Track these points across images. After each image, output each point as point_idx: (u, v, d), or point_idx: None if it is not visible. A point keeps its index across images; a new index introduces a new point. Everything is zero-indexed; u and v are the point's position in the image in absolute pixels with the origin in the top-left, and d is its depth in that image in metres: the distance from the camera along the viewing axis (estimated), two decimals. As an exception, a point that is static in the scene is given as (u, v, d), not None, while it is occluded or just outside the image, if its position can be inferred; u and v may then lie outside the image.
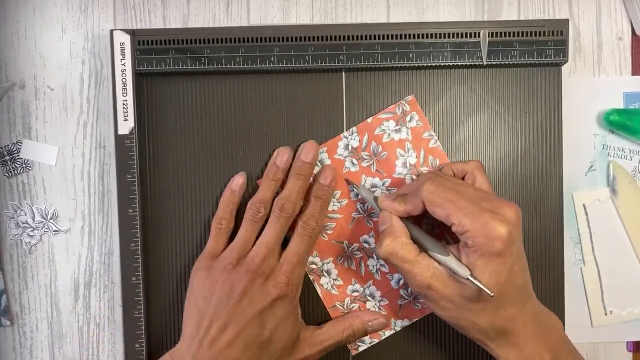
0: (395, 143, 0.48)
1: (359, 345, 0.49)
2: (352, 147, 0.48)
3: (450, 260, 0.40)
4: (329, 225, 0.49)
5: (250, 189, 0.48)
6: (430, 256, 0.41)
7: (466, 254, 0.40)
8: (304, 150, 0.46)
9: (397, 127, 0.48)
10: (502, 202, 0.40)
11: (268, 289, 0.43)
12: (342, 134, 0.48)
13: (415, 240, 0.42)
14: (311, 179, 0.47)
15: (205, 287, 0.44)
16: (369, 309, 0.49)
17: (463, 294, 0.40)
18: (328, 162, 0.48)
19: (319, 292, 0.49)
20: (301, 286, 0.46)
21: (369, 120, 0.48)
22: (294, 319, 0.45)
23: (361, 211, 0.48)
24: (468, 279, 0.39)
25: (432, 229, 0.48)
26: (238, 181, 0.47)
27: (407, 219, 0.43)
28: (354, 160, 0.48)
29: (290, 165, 0.47)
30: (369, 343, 0.49)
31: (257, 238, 0.45)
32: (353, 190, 0.48)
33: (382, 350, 0.49)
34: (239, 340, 0.42)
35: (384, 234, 0.42)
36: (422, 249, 0.42)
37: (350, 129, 0.48)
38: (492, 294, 0.38)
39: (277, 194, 0.46)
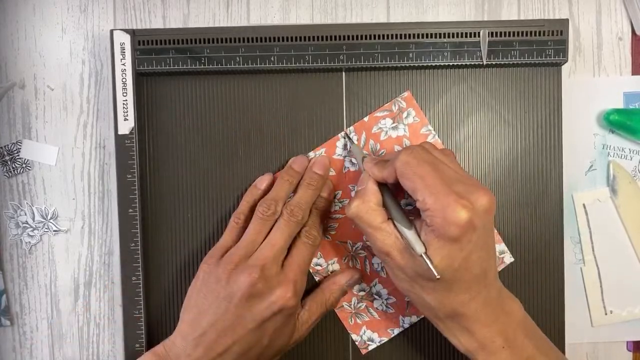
0: (393, 140, 0.48)
1: (369, 345, 0.49)
2: (350, 147, 0.48)
3: (410, 235, 0.40)
4: (332, 226, 0.49)
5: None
6: (394, 225, 0.41)
7: (425, 232, 0.39)
8: (316, 162, 0.47)
9: (394, 125, 0.48)
10: (477, 187, 0.39)
11: (272, 299, 0.42)
12: (339, 134, 0.48)
13: (385, 207, 0.42)
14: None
15: (209, 284, 0.43)
16: (343, 271, 0.48)
17: (415, 269, 0.40)
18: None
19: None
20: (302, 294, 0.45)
21: (366, 119, 0.48)
22: (294, 323, 0.45)
23: (357, 165, 0.48)
24: (421, 255, 0.39)
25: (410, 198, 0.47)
26: (264, 179, 0.47)
27: (386, 185, 0.43)
28: (353, 160, 0.48)
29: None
30: (379, 342, 0.49)
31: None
32: (351, 145, 0.48)
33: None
34: (237, 346, 0.42)
35: (356, 195, 0.42)
36: (390, 217, 0.42)
37: (348, 129, 0.48)
38: (438, 277, 0.38)
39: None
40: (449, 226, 0.38)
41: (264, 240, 0.44)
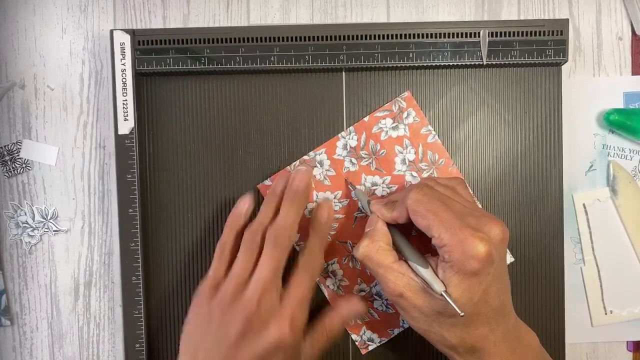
0: (393, 140, 0.48)
1: (369, 345, 0.49)
2: (350, 147, 0.48)
3: (428, 273, 0.39)
4: (331, 226, 0.49)
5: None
6: (409, 266, 0.40)
7: (443, 268, 0.39)
8: (295, 178, 0.44)
9: (394, 125, 0.48)
10: (489, 219, 0.39)
11: (269, 333, 0.40)
12: (340, 134, 0.48)
13: (396, 248, 0.42)
14: (307, 211, 0.47)
15: (204, 321, 0.42)
16: (346, 300, 0.46)
17: (434, 307, 0.39)
18: (327, 162, 0.48)
19: (326, 294, 0.49)
20: (304, 328, 0.43)
21: (366, 118, 0.48)
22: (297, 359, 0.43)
23: (363, 210, 0.48)
24: (442, 294, 0.38)
25: (420, 238, 0.47)
26: (243, 207, 0.45)
27: (394, 226, 0.43)
28: (353, 160, 0.48)
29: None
30: (379, 342, 0.49)
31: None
32: (353, 190, 0.48)
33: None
34: None
35: (365, 236, 0.42)
36: (403, 257, 0.41)
37: (348, 129, 0.48)
38: (462, 314, 0.37)
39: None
40: (468, 260, 0.37)
41: (254, 267, 0.42)
